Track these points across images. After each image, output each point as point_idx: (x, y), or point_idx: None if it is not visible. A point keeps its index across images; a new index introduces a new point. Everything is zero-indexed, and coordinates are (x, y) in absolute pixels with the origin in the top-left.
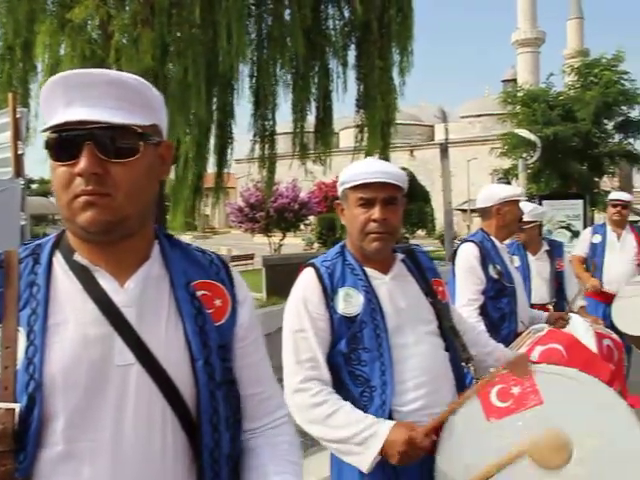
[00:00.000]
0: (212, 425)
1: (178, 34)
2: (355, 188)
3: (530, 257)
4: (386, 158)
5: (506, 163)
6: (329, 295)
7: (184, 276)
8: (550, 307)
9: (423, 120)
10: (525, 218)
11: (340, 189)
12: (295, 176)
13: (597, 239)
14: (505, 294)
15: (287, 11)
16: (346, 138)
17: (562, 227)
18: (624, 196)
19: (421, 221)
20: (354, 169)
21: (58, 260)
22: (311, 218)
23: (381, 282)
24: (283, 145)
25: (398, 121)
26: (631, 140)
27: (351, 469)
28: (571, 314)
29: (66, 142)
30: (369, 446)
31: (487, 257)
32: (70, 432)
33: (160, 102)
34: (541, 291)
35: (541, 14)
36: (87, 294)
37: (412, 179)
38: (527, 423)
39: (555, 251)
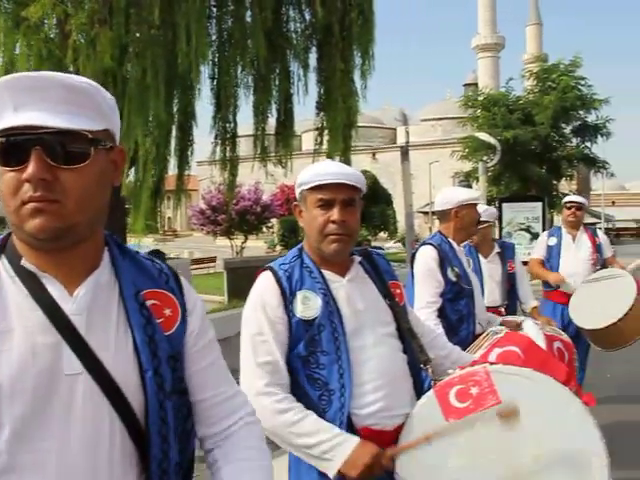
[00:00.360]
0: (161, 436)
1: (137, 34)
2: (314, 189)
3: (482, 259)
4: (347, 161)
5: (467, 166)
6: (288, 298)
7: (133, 285)
8: (502, 309)
9: (385, 123)
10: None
11: (298, 190)
12: (257, 179)
13: (553, 241)
14: (463, 296)
15: (248, 13)
16: (308, 141)
17: (522, 229)
18: (578, 198)
19: (383, 223)
20: (313, 170)
21: (4, 265)
22: (273, 221)
23: (339, 285)
24: (245, 147)
25: (360, 124)
26: (588, 144)
27: (309, 474)
28: (523, 318)
29: (14, 147)
30: (337, 452)
31: (445, 260)
32: (15, 443)
33: (112, 106)
34: (494, 293)
35: (501, 19)
36: (35, 301)
37: (374, 182)
38: (485, 422)
39: (506, 253)
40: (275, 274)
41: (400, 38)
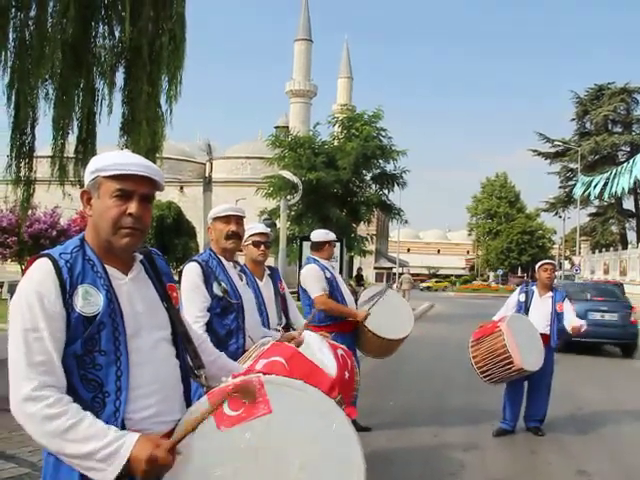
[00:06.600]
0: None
1: None
2: (113, 178)
3: (259, 283)
4: None
5: (272, 204)
6: (68, 291)
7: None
8: (280, 328)
9: (196, 157)
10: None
11: (92, 176)
12: (57, 201)
13: (329, 275)
14: (231, 310)
15: (50, 21)
16: None
17: None
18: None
19: (185, 256)
20: (113, 158)
21: None
22: None
23: (121, 282)
24: (43, 168)
25: (170, 156)
26: (385, 191)
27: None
28: (305, 331)
29: None
30: (112, 463)
31: (211, 275)
32: None
33: None
34: (272, 315)
35: (315, 69)
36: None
37: (179, 214)
38: (255, 431)
39: (275, 275)
40: (55, 263)
41: (221, 76)
